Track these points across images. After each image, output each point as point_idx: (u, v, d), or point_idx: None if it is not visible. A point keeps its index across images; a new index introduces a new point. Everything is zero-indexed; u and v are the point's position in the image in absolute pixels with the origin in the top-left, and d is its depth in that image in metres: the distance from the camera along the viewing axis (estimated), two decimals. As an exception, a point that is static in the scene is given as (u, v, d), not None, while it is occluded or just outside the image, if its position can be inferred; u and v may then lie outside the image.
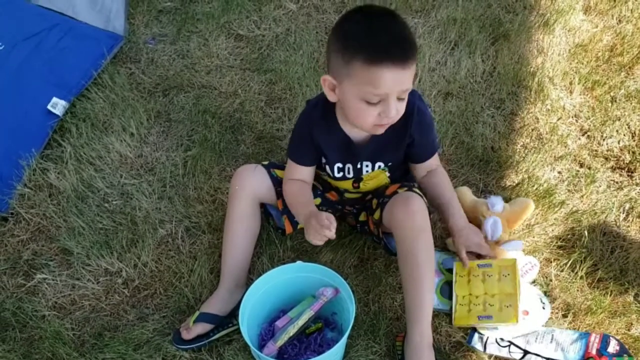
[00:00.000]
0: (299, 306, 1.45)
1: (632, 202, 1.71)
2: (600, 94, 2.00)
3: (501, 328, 1.44)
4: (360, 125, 1.37)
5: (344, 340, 1.34)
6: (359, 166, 1.50)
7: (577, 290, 1.55)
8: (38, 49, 2.10)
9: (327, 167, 1.52)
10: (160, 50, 2.26)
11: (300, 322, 1.40)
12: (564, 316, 1.50)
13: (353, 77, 1.25)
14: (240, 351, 1.47)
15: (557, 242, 1.64)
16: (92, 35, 2.18)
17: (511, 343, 1.43)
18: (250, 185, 1.55)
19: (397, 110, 1.29)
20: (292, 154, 1.52)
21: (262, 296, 1.45)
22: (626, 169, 1.81)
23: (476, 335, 1.47)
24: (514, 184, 1.77)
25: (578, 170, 1.81)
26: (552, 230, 1.67)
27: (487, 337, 1.45)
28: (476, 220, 1.60)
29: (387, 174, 1.53)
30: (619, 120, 1.92)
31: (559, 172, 1.81)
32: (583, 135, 1.91)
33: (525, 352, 1.41)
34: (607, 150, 1.85)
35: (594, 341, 1.39)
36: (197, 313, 1.49)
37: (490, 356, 1.44)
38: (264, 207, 1.64)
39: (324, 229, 1.30)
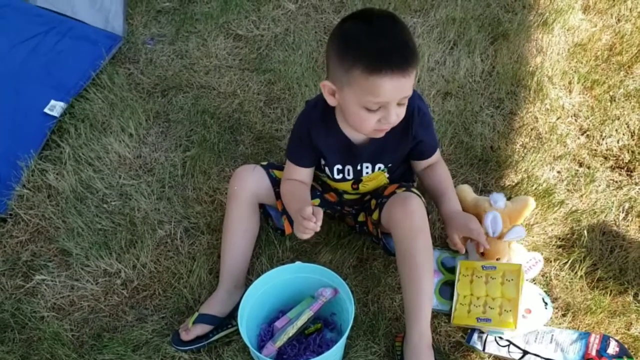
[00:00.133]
0: (298, 307, 1.45)
1: (632, 202, 1.71)
2: (600, 93, 2.00)
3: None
4: (360, 130, 1.37)
5: (343, 341, 1.34)
6: (358, 168, 1.49)
7: (577, 290, 1.54)
8: (36, 51, 2.09)
9: (327, 169, 1.52)
10: (159, 50, 2.25)
11: (300, 322, 1.40)
12: (564, 316, 1.50)
13: (353, 85, 1.24)
14: (239, 352, 1.47)
15: (556, 242, 1.64)
16: (91, 36, 2.18)
17: (510, 343, 1.43)
18: (249, 185, 1.55)
19: (397, 115, 1.29)
20: (291, 155, 1.51)
21: (261, 297, 1.45)
22: (625, 169, 1.81)
23: (475, 335, 1.47)
24: (513, 184, 1.77)
25: (577, 170, 1.81)
26: (552, 230, 1.67)
27: (487, 336, 1.45)
28: (478, 217, 1.59)
29: (387, 175, 1.53)
30: (618, 119, 1.92)
31: (558, 172, 1.81)
32: (582, 134, 1.91)
33: (525, 352, 1.41)
34: (607, 150, 1.85)
35: (594, 342, 1.39)
36: (196, 314, 1.49)
37: (489, 356, 1.44)
38: (263, 207, 1.64)
39: (305, 221, 1.28)
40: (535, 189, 1.74)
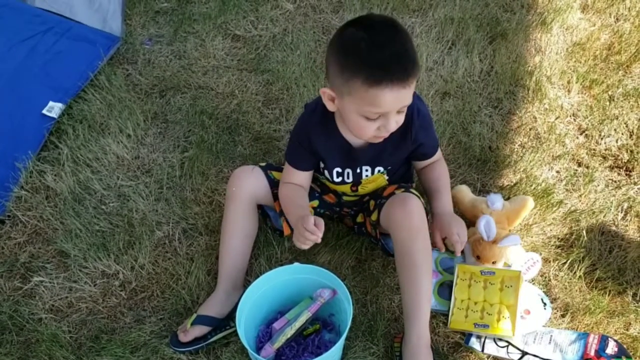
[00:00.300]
0: (297, 308, 1.45)
1: (630, 201, 1.71)
2: (598, 93, 2.00)
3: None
4: (359, 136, 1.38)
5: (341, 342, 1.34)
6: (358, 171, 1.49)
7: (576, 290, 1.54)
8: (34, 52, 2.09)
9: (326, 172, 1.51)
10: (157, 51, 2.25)
11: (298, 323, 1.40)
12: (562, 316, 1.50)
13: (353, 95, 1.24)
14: (237, 353, 1.47)
15: (555, 242, 1.64)
16: (89, 37, 2.18)
17: (509, 343, 1.43)
18: (248, 186, 1.54)
19: (396, 122, 1.29)
20: (290, 158, 1.51)
21: (260, 298, 1.44)
22: (624, 168, 1.81)
23: (474, 335, 1.46)
24: (512, 184, 1.77)
25: (576, 170, 1.81)
26: (550, 230, 1.67)
27: (485, 337, 1.45)
28: (476, 218, 1.59)
29: (386, 177, 1.52)
30: (617, 119, 1.92)
31: (557, 172, 1.81)
32: (581, 134, 1.90)
33: (524, 353, 1.41)
34: (605, 149, 1.85)
35: (593, 342, 1.39)
36: (194, 315, 1.49)
37: (488, 356, 1.44)
38: (261, 208, 1.64)
39: (307, 233, 1.29)
40: (534, 188, 1.73)
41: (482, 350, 1.44)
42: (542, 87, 2.01)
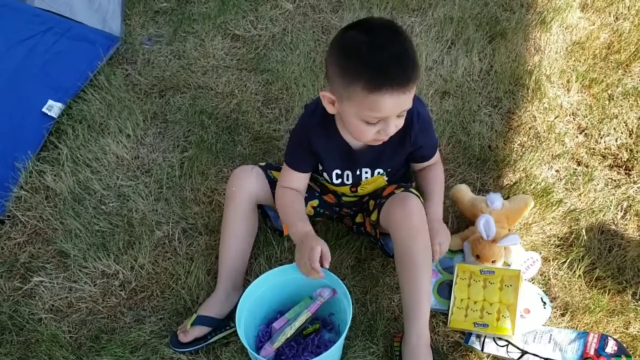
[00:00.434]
0: (296, 307, 1.45)
1: (630, 200, 1.71)
2: (598, 92, 2.00)
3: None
4: (358, 139, 1.38)
5: (341, 341, 1.34)
6: (358, 173, 1.49)
7: (575, 289, 1.54)
8: (34, 51, 2.09)
9: (325, 174, 1.51)
10: (157, 51, 2.25)
11: (298, 323, 1.40)
12: (562, 315, 1.50)
13: (353, 99, 1.24)
14: (237, 353, 1.47)
15: (554, 241, 1.64)
16: (89, 37, 2.17)
17: (509, 343, 1.43)
18: (247, 186, 1.54)
19: (396, 126, 1.30)
20: (289, 159, 1.50)
21: (260, 298, 1.45)
22: (624, 167, 1.81)
23: (474, 335, 1.46)
24: (512, 183, 1.77)
25: (576, 169, 1.81)
26: (550, 229, 1.67)
27: (485, 336, 1.45)
28: (475, 218, 1.59)
29: (385, 178, 1.52)
30: (617, 118, 1.92)
31: (557, 171, 1.81)
32: (580, 133, 1.90)
33: (523, 352, 1.41)
34: (605, 148, 1.85)
35: (592, 341, 1.39)
36: (194, 316, 1.49)
37: (487, 355, 1.44)
38: (261, 208, 1.64)
39: (315, 264, 1.31)
40: (534, 188, 1.73)
41: (482, 349, 1.44)
42: (541, 86, 2.01)
